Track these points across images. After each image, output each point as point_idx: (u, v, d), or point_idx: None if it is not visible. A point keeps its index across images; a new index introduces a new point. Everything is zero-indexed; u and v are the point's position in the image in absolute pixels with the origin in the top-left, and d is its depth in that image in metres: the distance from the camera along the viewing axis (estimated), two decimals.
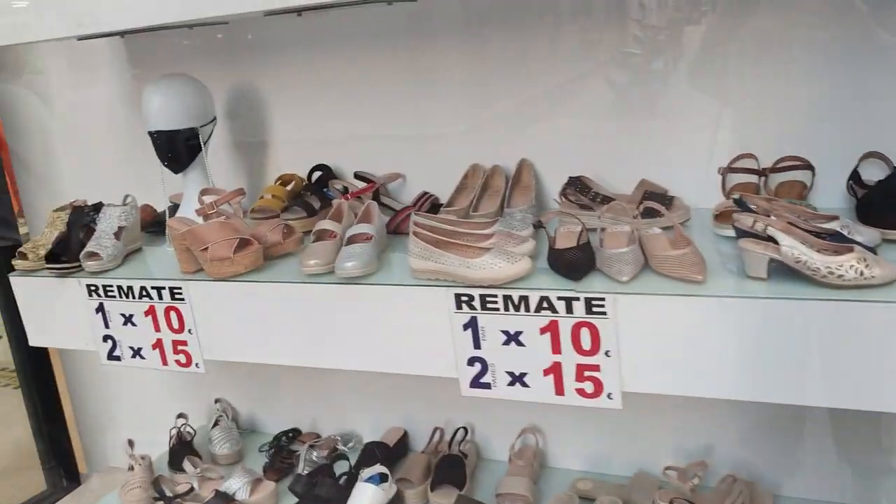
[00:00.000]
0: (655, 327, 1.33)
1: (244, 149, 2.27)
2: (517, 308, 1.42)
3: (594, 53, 1.80)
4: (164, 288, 1.79)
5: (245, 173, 2.29)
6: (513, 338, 1.44)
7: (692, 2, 1.71)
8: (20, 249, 2.01)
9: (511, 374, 1.47)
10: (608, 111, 1.81)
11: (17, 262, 1.99)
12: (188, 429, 2.47)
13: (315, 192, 2.05)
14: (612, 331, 1.36)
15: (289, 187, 2.13)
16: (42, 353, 2.80)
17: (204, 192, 1.87)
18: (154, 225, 2.18)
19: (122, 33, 2.09)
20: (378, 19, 1.96)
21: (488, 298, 1.44)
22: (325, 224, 1.73)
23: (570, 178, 1.77)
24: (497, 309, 1.44)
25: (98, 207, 2.02)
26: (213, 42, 2.19)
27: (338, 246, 1.67)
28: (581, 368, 1.41)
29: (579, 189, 1.74)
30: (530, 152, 1.90)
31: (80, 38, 1.97)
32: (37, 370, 2.84)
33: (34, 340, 2.07)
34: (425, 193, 1.98)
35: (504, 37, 1.85)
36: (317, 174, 2.12)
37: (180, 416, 2.49)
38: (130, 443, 2.37)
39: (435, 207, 1.93)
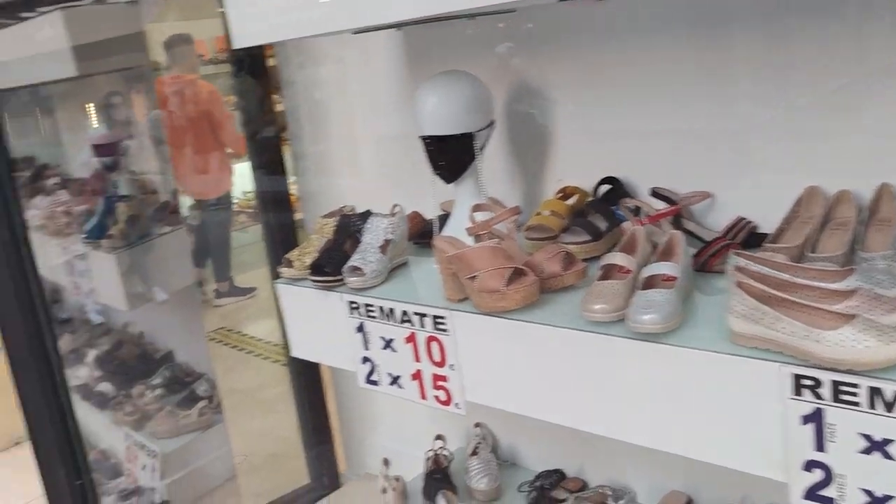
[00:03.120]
0: None
1: (520, 155, 2.02)
2: (890, 408, 1.01)
3: None
4: (426, 315, 1.59)
5: (520, 183, 2.04)
6: (879, 446, 1.03)
7: None
8: (287, 256, 1.92)
9: (869, 493, 1.06)
10: None
11: (283, 270, 1.90)
12: (445, 452, 2.30)
13: (601, 210, 1.74)
14: None
15: (570, 202, 1.84)
16: None
17: (476, 209, 1.64)
18: (422, 236, 2.00)
19: (399, 25, 1.93)
20: (682, 5, 1.59)
21: (844, 388, 1.04)
22: (616, 258, 1.41)
23: None
24: (856, 404, 1.03)
25: (365, 216, 1.88)
26: (493, 34, 1.95)
27: (630, 287, 1.35)
28: None
29: None
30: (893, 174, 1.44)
31: (356, 32, 1.83)
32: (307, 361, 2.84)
33: (296, 351, 1.99)
34: (740, 220, 1.59)
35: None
36: (604, 188, 1.81)
37: (438, 437, 2.32)
38: (386, 462, 2.24)
39: (753, 237, 1.53)
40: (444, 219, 1.89)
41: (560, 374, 1.40)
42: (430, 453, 2.30)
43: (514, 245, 1.54)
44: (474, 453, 2.24)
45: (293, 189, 2.80)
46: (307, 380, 2.86)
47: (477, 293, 1.46)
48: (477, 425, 2.35)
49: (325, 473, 2.92)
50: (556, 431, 2.17)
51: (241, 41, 1.79)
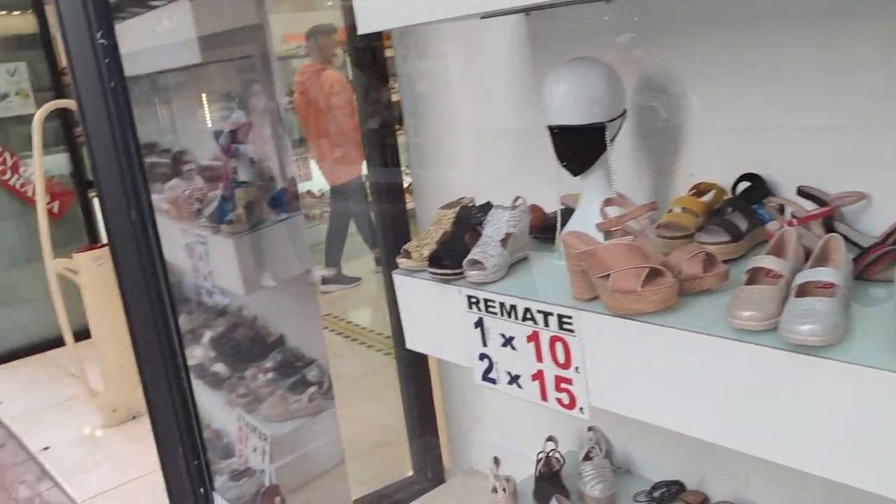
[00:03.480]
0: None
1: (647, 149, 1.91)
2: None
3: None
4: (551, 314, 1.52)
5: (647, 178, 1.93)
6: None
7: None
8: (405, 247, 1.89)
9: None
10: None
11: (400, 261, 1.87)
12: (556, 454, 2.23)
13: (741, 208, 1.62)
14: None
15: (705, 199, 1.73)
16: None
17: (607, 203, 1.56)
18: (542, 230, 1.93)
19: (528, 10, 1.86)
20: None
21: None
22: (766, 261, 1.30)
23: None
24: None
25: (486, 208, 1.82)
26: (624, 20, 1.85)
27: (783, 293, 1.24)
28: None
29: None
30: None
31: (484, 17, 1.77)
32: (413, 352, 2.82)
33: (411, 343, 1.95)
34: None
35: None
36: (743, 185, 1.69)
37: (550, 439, 2.25)
38: (496, 461, 2.19)
39: None
40: (566, 213, 1.81)
41: (697, 383, 1.30)
42: (542, 455, 2.23)
43: (648, 243, 1.45)
44: (587, 458, 2.16)
45: (406, 179, 2.78)
46: (414, 370, 2.84)
47: (609, 293, 1.38)
48: (590, 429, 2.26)
49: (430, 466, 2.89)
50: (677, 440, 2.06)
51: (366, 27, 1.75)
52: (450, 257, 1.75)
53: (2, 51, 5.52)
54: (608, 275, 1.38)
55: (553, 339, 1.53)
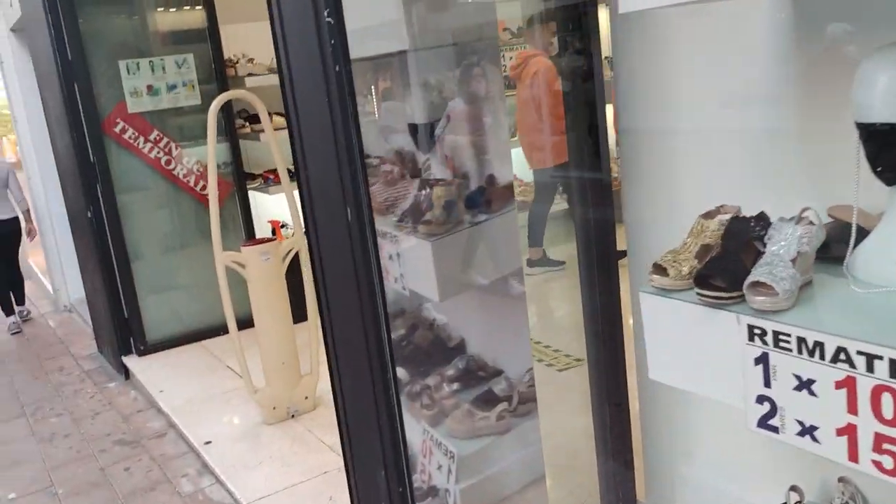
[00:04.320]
0: None
1: None
2: None
3: None
4: (879, 358, 1.22)
5: None
6: None
7: None
8: (659, 262, 1.62)
9: None
10: None
11: (654, 278, 1.61)
12: None
13: None
14: None
15: None
16: (616, 345, 2.51)
17: None
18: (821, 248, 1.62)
19: None
20: None
21: None
22: None
23: None
24: None
25: (763, 220, 1.54)
26: None
27: None
28: None
29: None
30: None
31: None
32: (610, 364, 2.56)
33: (656, 373, 1.69)
34: None
35: None
36: None
37: (793, 489, 1.93)
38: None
39: None
40: (860, 234, 1.50)
41: None
42: None
43: None
44: None
45: (614, 173, 2.52)
46: (609, 386, 2.58)
47: None
48: (841, 479, 1.92)
49: (622, 499, 2.62)
50: None
51: (628, 5, 1.51)
52: (723, 277, 1.47)
53: (171, 44, 5.63)
54: None
55: (878, 389, 1.23)
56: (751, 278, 1.42)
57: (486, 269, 2.37)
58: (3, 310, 7.24)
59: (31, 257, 9.75)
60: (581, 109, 2.32)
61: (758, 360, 1.41)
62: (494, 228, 2.29)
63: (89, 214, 5.35)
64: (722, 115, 2.09)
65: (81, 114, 5.24)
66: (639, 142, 2.36)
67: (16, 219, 6.95)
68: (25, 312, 7.70)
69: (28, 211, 7.09)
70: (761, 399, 1.43)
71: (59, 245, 7.46)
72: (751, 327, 1.41)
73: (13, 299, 7.31)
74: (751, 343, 1.42)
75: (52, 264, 7.80)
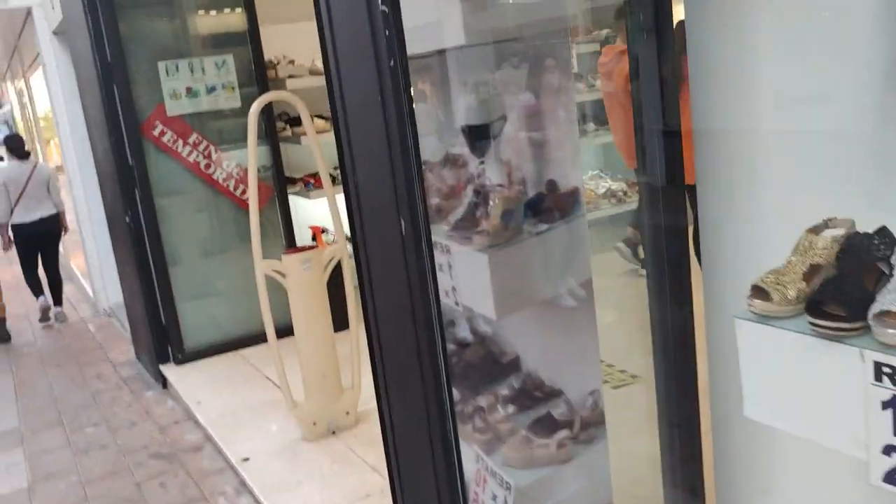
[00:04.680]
0: None
1: None
2: None
3: None
4: None
5: None
6: None
7: None
8: (759, 283, 1.41)
9: None
10: None
11: (755, 302, 1.39)
12: None
13: None
14: None
15: None
16: (688, 364, 2.29)
17: None
18: None
19: None
20: None
21: None
22: None
23: None
24: None
25: (888, 236, 1.32)
26: None
27: None
28: None
29: None
30: None
31: None
32: (680, 384, 2.34)
33: (753, 411, 1.48)
34: None
35: None
36: None
37: None
38: None
39: None
40: None
41: None
42: None
43: None
44: None
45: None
46: (679, 413, 2.36)
47: None
48: None
49: None
50: None
51: None
52: (842, 304, 1.26)
53: (210, 46, 5.53)
54: None
55: None
56: (880, 306, 1.21)
57: (548, 284, 2.17)
58: (32, 292, 7.54)
59: (73, 259, 9.77)
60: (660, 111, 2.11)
61: (886, 405, 1.20)
62: (559, 238, 2.09)
63: (127, 219, 5.26)
64: (811, 114, 1.87)
65: (120, 116, 5.15)
66: (715, 141, 2.15)
67: (56, 217, 7.32)
68: (61, 315, 7.70)
69: (64, 213, 7.45)
70: (889, 450, 1.21)
71: (100, 249, 7.43)
72: (878, 364, 1.19)
73: (50, 300, 7.47)
74: (877, 383, 1.20)
75: (92, 268, 7.78)
